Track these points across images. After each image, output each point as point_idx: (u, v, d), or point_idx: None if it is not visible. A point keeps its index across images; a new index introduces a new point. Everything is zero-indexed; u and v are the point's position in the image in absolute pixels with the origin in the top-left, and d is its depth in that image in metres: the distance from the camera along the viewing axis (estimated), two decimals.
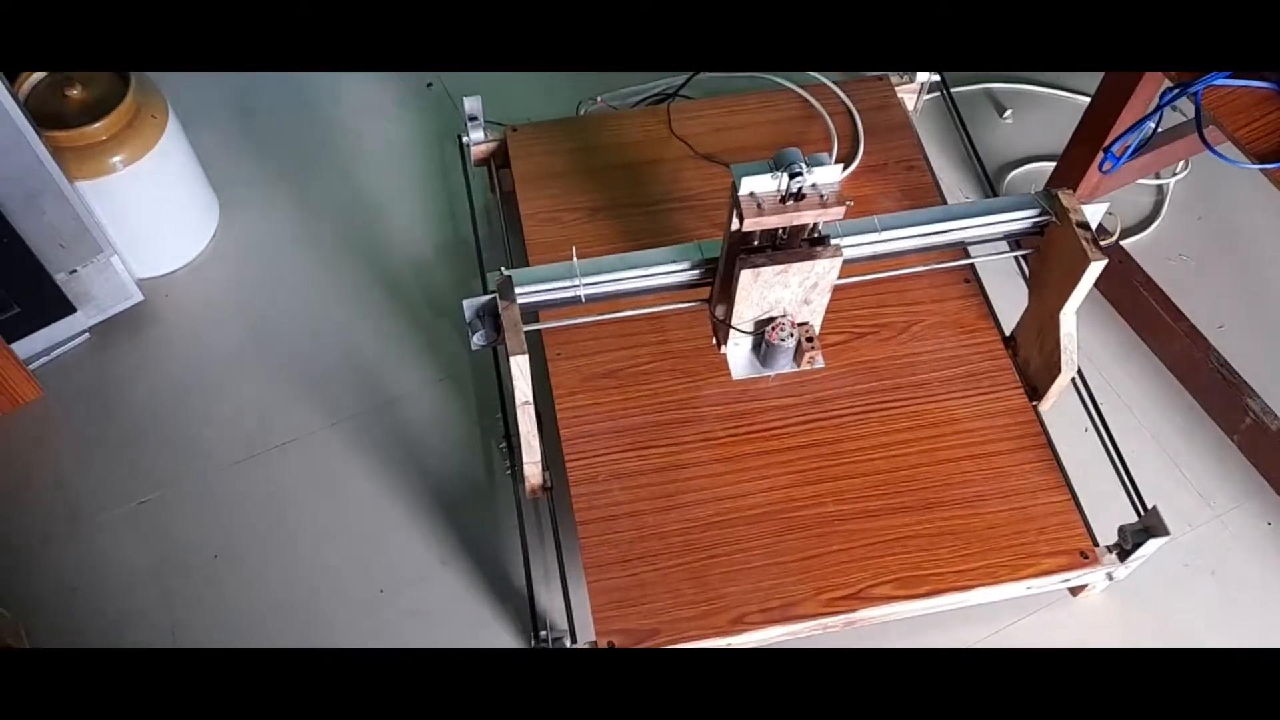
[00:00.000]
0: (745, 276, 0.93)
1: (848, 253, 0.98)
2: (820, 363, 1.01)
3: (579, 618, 1.05)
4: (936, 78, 1.46)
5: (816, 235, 0.94)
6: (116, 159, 1.22)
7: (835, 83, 1.40)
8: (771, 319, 0.99)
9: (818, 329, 1.01)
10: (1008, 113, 1.55)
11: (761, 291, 0.96)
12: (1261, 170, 0.91)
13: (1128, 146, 1.12)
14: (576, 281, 0.98)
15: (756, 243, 0.93)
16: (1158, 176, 1.46)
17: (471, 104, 1.31)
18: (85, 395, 1.28)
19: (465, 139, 1.34)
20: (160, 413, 1.28)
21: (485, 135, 1.34)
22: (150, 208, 1.31)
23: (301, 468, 1.24)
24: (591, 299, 0.99)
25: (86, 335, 1.32)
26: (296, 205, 1.45)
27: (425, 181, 1.47)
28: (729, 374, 1.04)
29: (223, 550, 1.18)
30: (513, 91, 1.53)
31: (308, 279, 1.38)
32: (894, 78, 1.42)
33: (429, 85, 1.57)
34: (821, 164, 0.88)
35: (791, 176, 0.87)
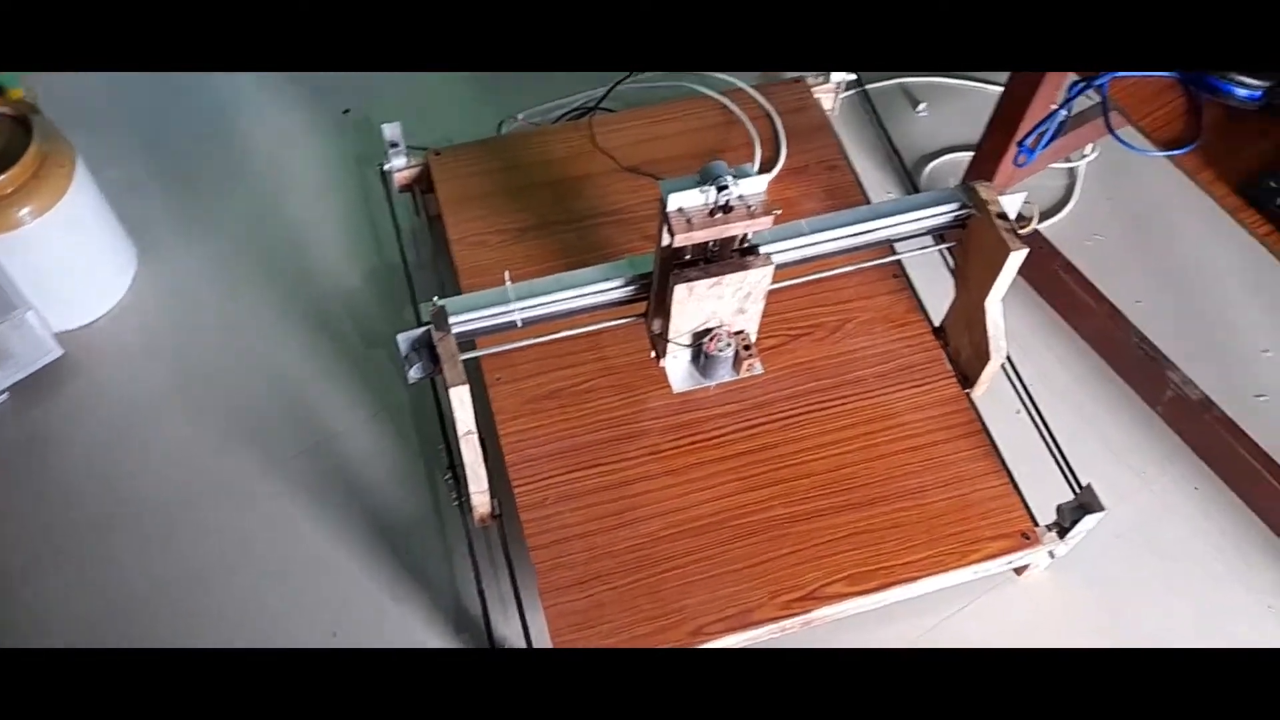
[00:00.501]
0: (679, 291, 0.93)
1: (777, 258, 0.99)
2: (759, 369, 1.02)
3: (538, 642, 1.05)
4: (853, 76, 1.49)
5: (747, 245, 0.95)
6: (24, 211, 1.18)
7: (753, 87, 1.42)
8: (708, 330, 1.00)
9: (754, 336, 1.02)
10: (922, 106, 1.58)
11: (696, 304, 0.96)
12: (1166, 156, 0.95)
13: (1040, 138, 1.15)
14: (511, 306, 0.97)
15: (688, 256, 0.94)
16: (1068, 160, 1.51)
17: (391, 130, 1.30)
18: (8, 457, 1.24)
19: (387, 166, 1.33)
20: (90, 467, 1.24)
21: (407, 161, 1.32)
22: (64, 259, 1.27)
23: (241, 512, 1.21)
24: (528, 322, 0.99)
25: (5, 395, 1.28)
26: (216, 242, 1.41)
27: (348, 210, 1.45)
28: (669, 387, 1.05)
29: (165, 601, 1.15)
30: (432, 114, 1.51)
31: (233, 318, 1.35)
32: (810, 79, 1.45)
33: (345, 112, 1.55)
34: (747, 175, 0.89)
35: (719, 190, 0.87)
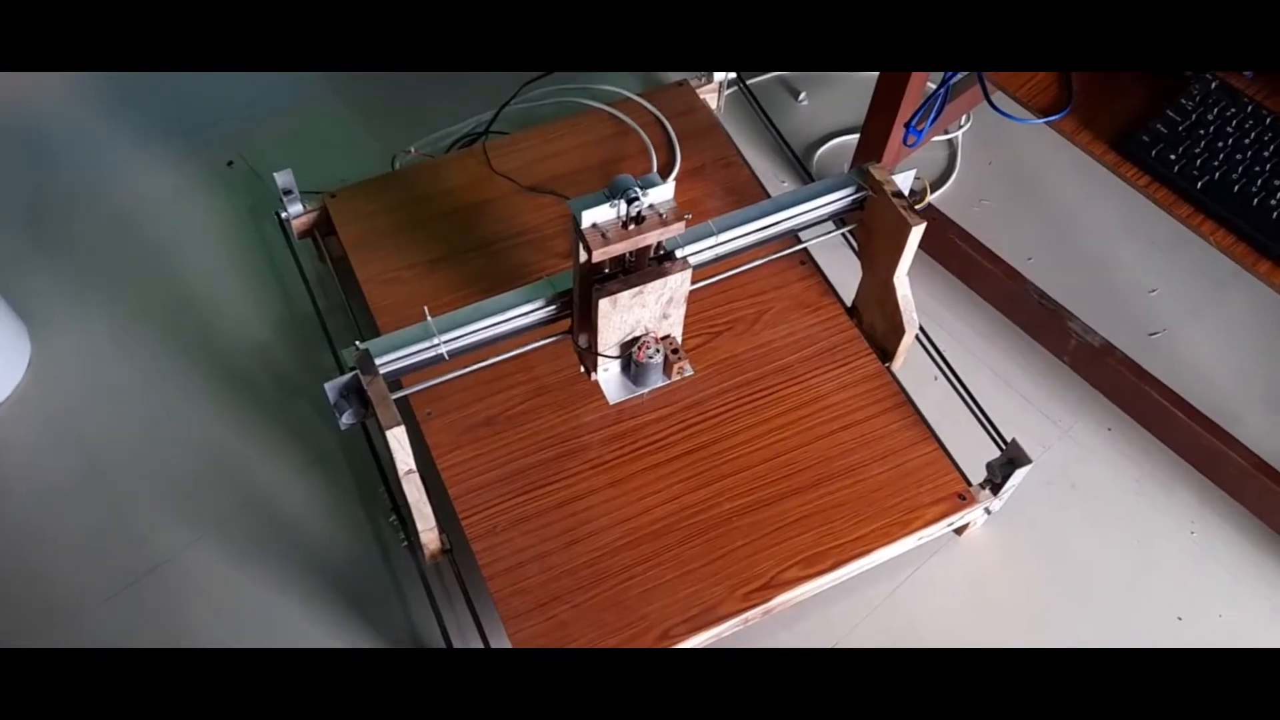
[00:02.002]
0: (604, 305, 0.94)
1: (692, 260, 1.01)
2: (690, 371, 1.03)
3: None
4: (733, 75, 1.52)
5: (662, 252, 0.97)
6: None
7: (639, 95, 1.44)
8: (635, 338, 1.01)
9: (680, 339, 1.04)
10: (802, 95, 1.63)
11: (621, 315, 0.97)
12: (1046, 123, 1.00)
13: (926, 118, 1.20)
14: (435, 340, 0.97)
15: (607, 270, 0.95)
16: (946, 132, 1.57)
17: (283, 179, 1.28)
18: None
19: (283, 214, 1.30)
20: (7, 566, 1.18)
21: (303, 206, 1.30)
22: None
23: (182, 587, 1.17)
24: (454, 354, 0.98)
25: None
26: (114, 312, 1.36)
27: (248, 262, 1.41)
28: (604, 399, 1.06)
29: None
30: (319, 157, 1.49)
31: (142, 387, 1.30)
32: (693, 80, 1.47)
33: (229, 164, 1.51)
34: (655, 184, 0.90)
35: (629, 202, 0.89)
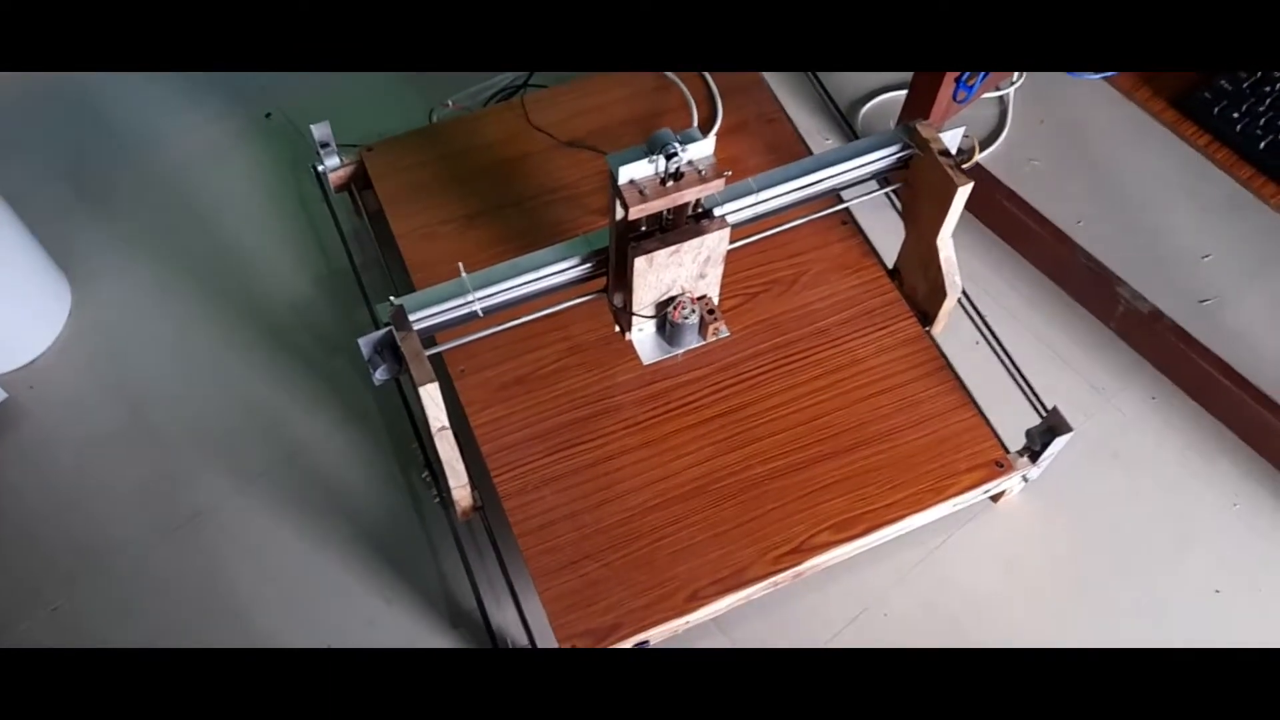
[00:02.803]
0: (639, 264, 0.93)
1: (730, 219, 0.99)
2: (725, 332, 1.02)
3: (537, 628, 1.05)
4: None
5: (700, 210, 0.95)
6: None
7: None
8: (671, 298, 1.00)
9: (717, 300, 1.03)
10: None
11: (657, 274, 0.96)
12: (1102, 79, 0.96)
13: (978, 72, 1.16)
14: (470, 297, 0.96)
15: (644, 228, 0.94)
16: (998, 89, 1.52)
17: (320, 130, 1.27)
18: None
19: (320, 167, 1.30)
20: (52, 512, 1.20)
21: (340, 160, 1.30)
22: None
23: (220, 537, 1.19)
24: (488, 311, 0.98)
25: None
26: (154, 264, 1.37)
27: (286, 216, 1.42)
28: (638, 359, 1.05)
29: (153, 638, 1.13)
30: (357, 110, 1.48)
31: (182, 340, 1.32)
32: None
33: (268, 116, 1.51)
34: (694, 140, 0.88)
35: (668, 158, 0.87)
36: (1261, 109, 0.91)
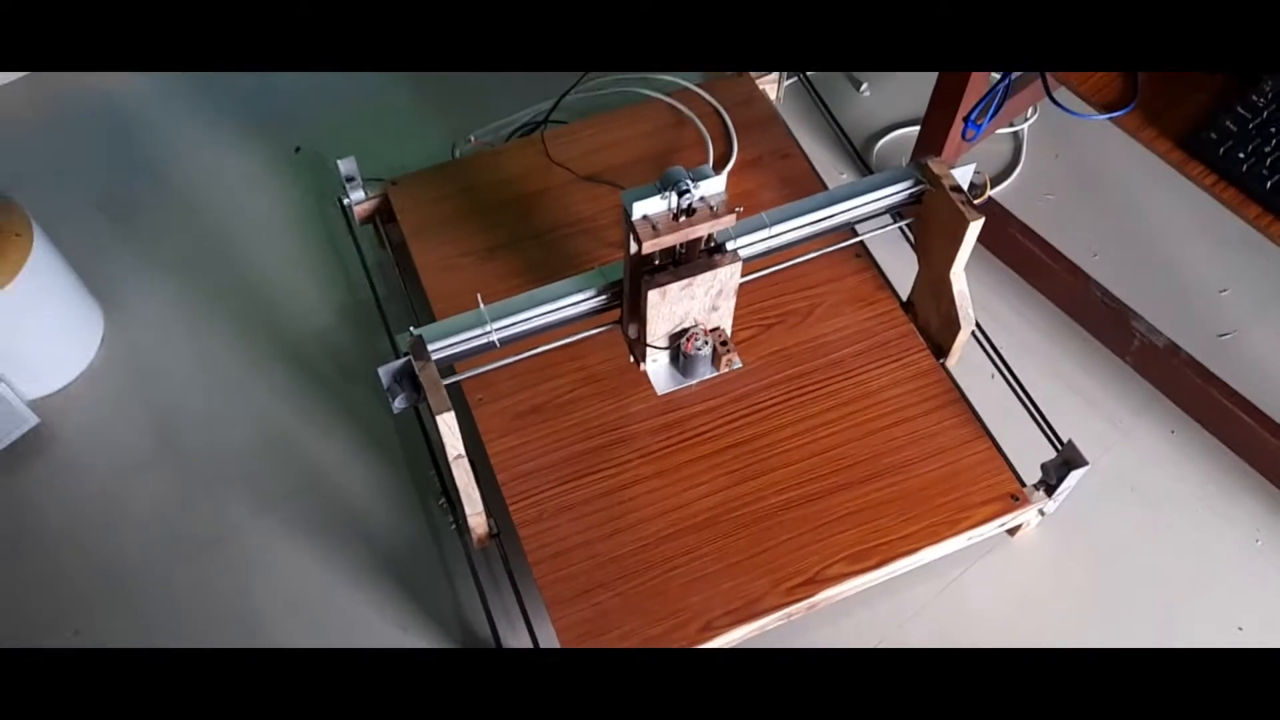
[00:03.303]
0: (653, 296, 0.95)
1: (743, 252, 1.01)
2: (738, 364, 1.03)
3: None
4: None
5: (713, 244, 0.97)
6: None
7: (698, 85, 1.43)
8: (684, 330, 1.02)
9: (729, 331, 1.04)
10: (864, 86, 1.61)
11: (670, 307, 0.98)
12: (1108, 119, 0.97)
13: (986, 112, 1.17)
14: (488, 328, 0.98)
15: (657, 262, 0.95)
16: (1012, 124, 1.54)
17: (346, 165, 1.30)
18: None
19: (346, 201, 1.33)
20: (78, 534, 1.23)
21: (365, 194, 1.33)
22: (30, 328, 1.26)
23: (239, 561, 1.21)
24: (505, 341, 1.00)
25: None
26: (183, 294, 1.41)
27: (313, 248, 1.45)
28: (652, 389, 1.06)
29: None
30: (383, 145, 1.52)
31: (209, 367, 1.35)
32: (752, 72, 1.46)
33: (297, 150, 1.55)
34: (706, 177, 0.90)
35: (680, 194, 0.89)
36: (1268, 149, 0.92)
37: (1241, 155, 0.91)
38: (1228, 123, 0.94)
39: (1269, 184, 0.90)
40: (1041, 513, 1.17)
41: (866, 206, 1.09)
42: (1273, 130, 0.92)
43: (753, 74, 1.46)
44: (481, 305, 0.98)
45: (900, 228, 1.27)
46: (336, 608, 1.18)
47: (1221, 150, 0.92)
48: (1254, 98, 0.95)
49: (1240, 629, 1.16)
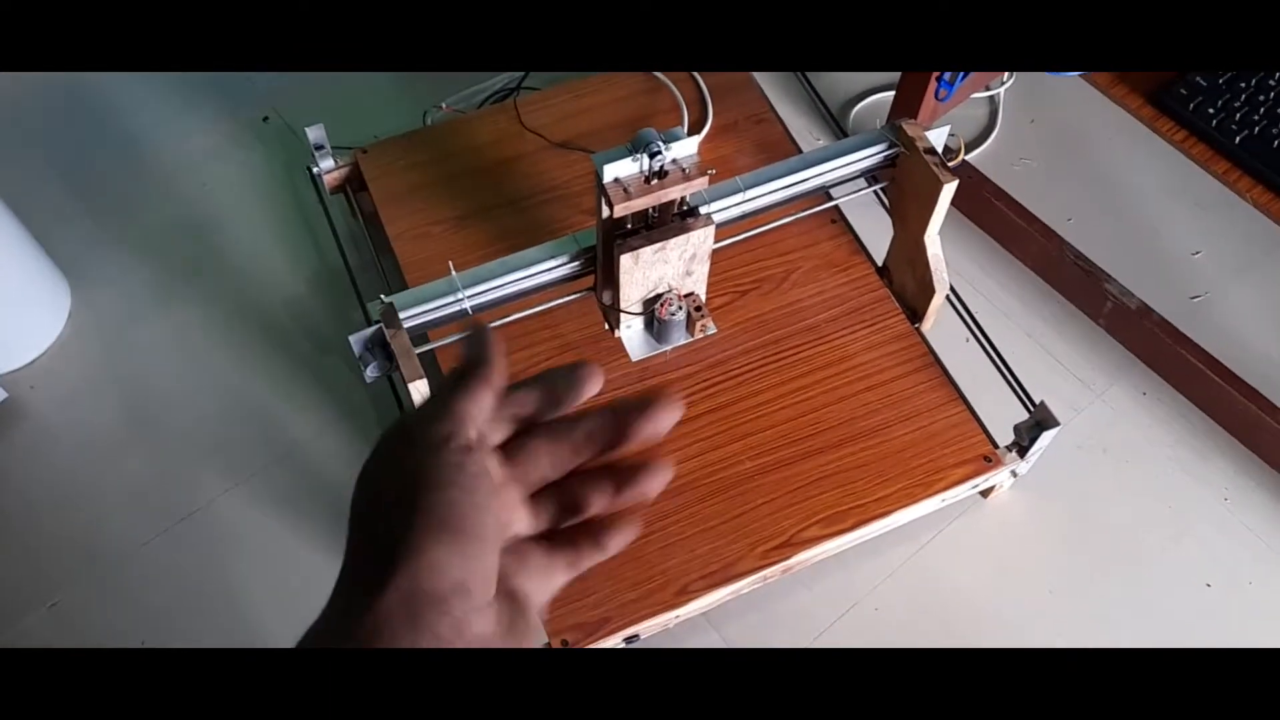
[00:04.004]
0: (625, 261, 0.94)
1: (717, 217, 1.00)
2: (713, 329, 1.03)
3: None
4: None
5: (686, 208, 0.96)
6: None
7: None
8: (658, 295, 1.01)
9: (704, 296, 1.04)
10: None
11: (643, 272, 0.97)
12: (1079, 76, 0.97)
13: (957, 72, 1.17)
14: (460, 295, 0.97)
15: (629, 226, 0.95)
16: (988, 89, 1.53)
17: (315, 133, 1.28)
18: None
19: (315, 169, 1.31)
20: (50, 510, 1.22)
21: (335, 162, 1.31)
22: None
23: (215, 535, 1.20)
24: (478, 309, 0.99)
25: None
26: (151, 265, 1.39)
27: (282, 217, 1.43)
28: (627, 356, 1.06)
29: (150, 636, 1.14)
30: (353, 112, 1.50)
31: (178, 339, 1.33)
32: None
33: (265, 119, 1.52)
34: (678, 139, 0.89)
35: (651, 156, 0.88)
36: (1237, 104, 0.92)
37: (1211, 111, 0.92)
38: (1197, 78, 0.94)
39: (1238, 139, 0.90)
40: (1014, 474, 1.18)
41: (840, 170, 1.09)
42: (1242, 85, 0.93)
43: None
44: (453, 272, 0.97)
45: (875, 192, 1.27)
46: (315, 581, 1.17)
47: (1191, 106, 0.92)
48: None
49: (1208, 585, 1.17)
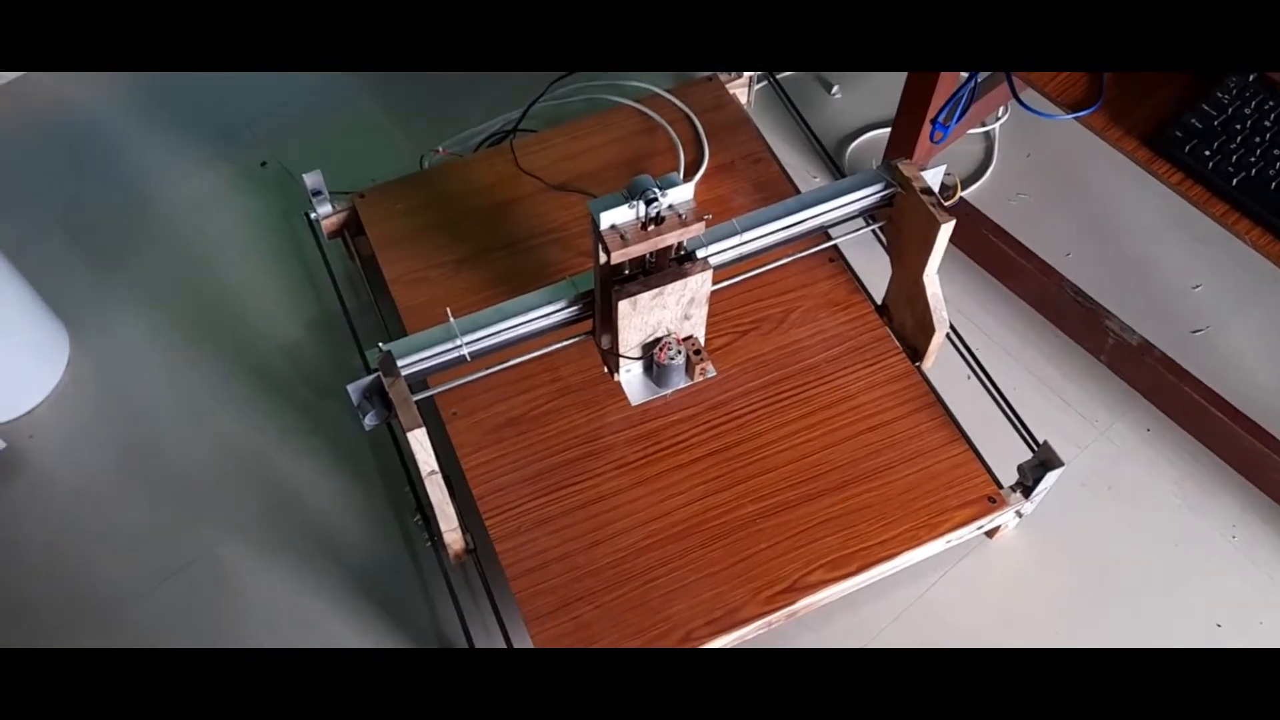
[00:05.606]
0: (623, 307, 0.94)
1: (715, 260, 1.00)
2: (712, 372, 1.02)
3: None
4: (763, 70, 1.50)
5: (683, 253, 0.96)
6: None
7: (668, 90, 1.43)
8: (657, 340, 1.01)
9: (703, 339, 1.03)
10: (835, 88, 1.60)
11: (642, 317, 0.97)
12: (1075, 119, 0.97)
13: (953, 114, 1.17)
14: (458, 342, 0.97)
15: (627, 271, 0.95)
16: (983, 124, 1.54)
17: (312, 179, 1.29)
18: None
19: (313, 214, 1.32)
20: (47, 562, 1.20)
21: (333, 207, 1.31)
22: None
23: (213, 586, 1.19)
24: (476, 355, 0.99)
25: None
26: (149, 312, 1.39)
27: (281, 262, 1.43)
28: (627, 399, 1.05)
29: None
30: (351, 157, 1.50)
31: (177, 387, 1.33)
32: (723, 75, 1.46)
33: (263, 164, 1.53)
34: (674, 184, 0.89)
35: (648, 203, 0.88)
36: (1233, 146, 0.92)
37: (1207, 153, 0.91)
38: (1193, 120, 0.94)
39: (1235, 180, 0.90)
40: (1019, 514, 1.16)
41: (837, 211, 1.09)
42: (1238, 127, 0.92)
43: (722, 77, 1.45)
44: (451, 319, 0.97)
45: (873, 230, 1.27)
46: (312, 628, 1.16)
47: (1187, 148, 0.92)
48: (1218, 94, 0.95)
49: (1219, 625, 1.16)
